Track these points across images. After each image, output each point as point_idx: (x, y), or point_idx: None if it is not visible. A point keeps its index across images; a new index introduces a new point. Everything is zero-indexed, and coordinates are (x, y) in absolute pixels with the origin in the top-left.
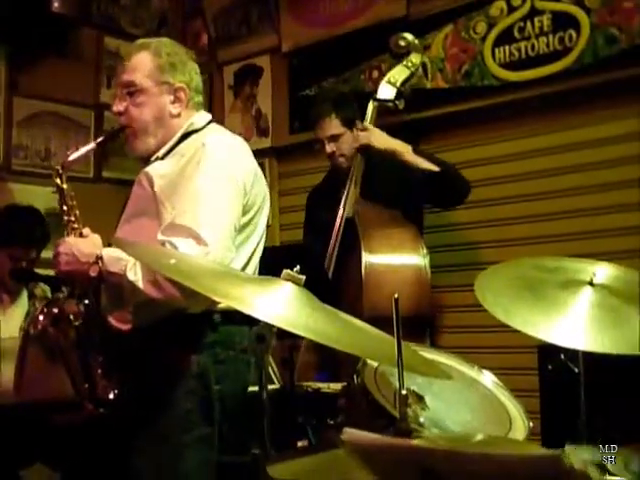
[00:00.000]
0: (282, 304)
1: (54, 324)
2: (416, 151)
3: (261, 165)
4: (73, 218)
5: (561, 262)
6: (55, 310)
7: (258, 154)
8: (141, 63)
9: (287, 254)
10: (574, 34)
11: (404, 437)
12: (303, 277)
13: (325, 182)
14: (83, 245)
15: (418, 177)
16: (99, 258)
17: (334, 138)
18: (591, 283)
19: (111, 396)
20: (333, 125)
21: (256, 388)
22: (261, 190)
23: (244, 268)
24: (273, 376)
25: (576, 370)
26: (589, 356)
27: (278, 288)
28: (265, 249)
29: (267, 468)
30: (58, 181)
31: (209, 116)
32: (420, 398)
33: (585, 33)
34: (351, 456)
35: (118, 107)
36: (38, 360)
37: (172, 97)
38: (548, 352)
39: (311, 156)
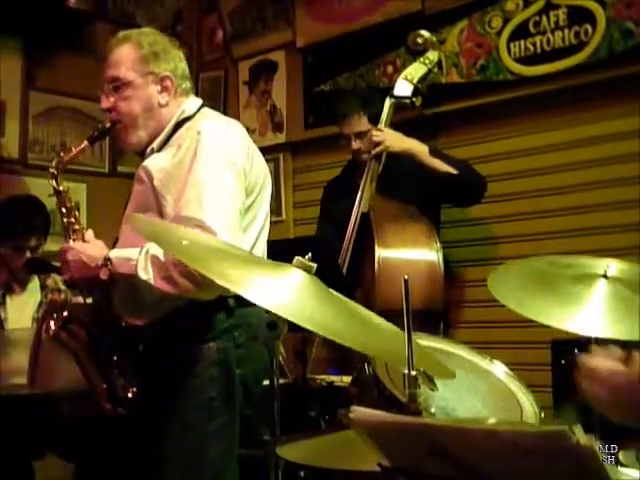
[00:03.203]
0: (289, 292)
1: (65, 328)
2: (432, 151)
3: (276, 160)
4: (73, 220)
5: (574, 259)
6: (65, 314)
7: (273, 149)
8: (124, 56)
9: (300, 246)
10: (590, 28)
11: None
12: (314, 265)
13: (343, 175)
14: (90, 249)
15: (435, 178)
16: (107, 260)
17: (360, 135)
18: (605, 276)
19: (130, 395)
20: (361, 122)
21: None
22: (261, 170)
23: (251, 250)
24: (285, 369)
25: None
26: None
27: (287, 274)
28: (278, 242)
29: (276, 449)
30: (54, 183)
31: (200, 101)
32: (429, 379)
33: (601, 27)
34: (359, 434)
35: (105, 103)
36: (52, 359)
37: (159, 87)
38: (561, 347)
39: (325, 151)
